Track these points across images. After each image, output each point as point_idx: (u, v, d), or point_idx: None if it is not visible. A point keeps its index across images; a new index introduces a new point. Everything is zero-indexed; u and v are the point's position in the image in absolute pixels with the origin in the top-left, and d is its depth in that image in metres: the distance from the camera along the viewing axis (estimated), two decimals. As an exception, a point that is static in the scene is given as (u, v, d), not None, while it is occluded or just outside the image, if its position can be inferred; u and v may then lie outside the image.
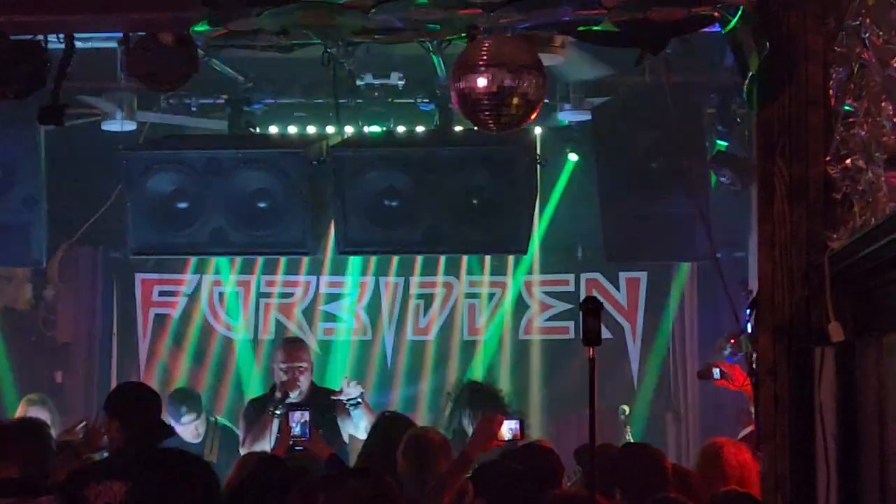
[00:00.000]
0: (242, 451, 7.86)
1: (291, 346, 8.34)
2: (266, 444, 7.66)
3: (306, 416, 6.76)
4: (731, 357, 7.63)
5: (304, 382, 7.99)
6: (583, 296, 9.92)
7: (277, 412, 7.66)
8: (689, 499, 5.48)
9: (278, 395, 7.88)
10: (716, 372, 7.61)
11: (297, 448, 6.67)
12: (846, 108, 4.21)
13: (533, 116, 5.11)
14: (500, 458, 6.20)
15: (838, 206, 4.33)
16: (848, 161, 4.19)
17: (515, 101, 4.99)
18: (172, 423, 8.32)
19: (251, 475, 5.60)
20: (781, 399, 4.47)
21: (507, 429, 6.41)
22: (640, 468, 5.81)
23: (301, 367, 8.02)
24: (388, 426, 6.89)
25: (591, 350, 4.74)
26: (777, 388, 4.49)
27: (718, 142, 7.91)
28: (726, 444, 6.38)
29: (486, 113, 5.00)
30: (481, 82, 4.96)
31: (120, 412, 5.65)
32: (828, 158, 4.42)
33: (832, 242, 4.35)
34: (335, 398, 7.80)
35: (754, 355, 4.71)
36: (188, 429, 8.53)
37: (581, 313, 4.77)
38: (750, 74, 4.78)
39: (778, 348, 4.49)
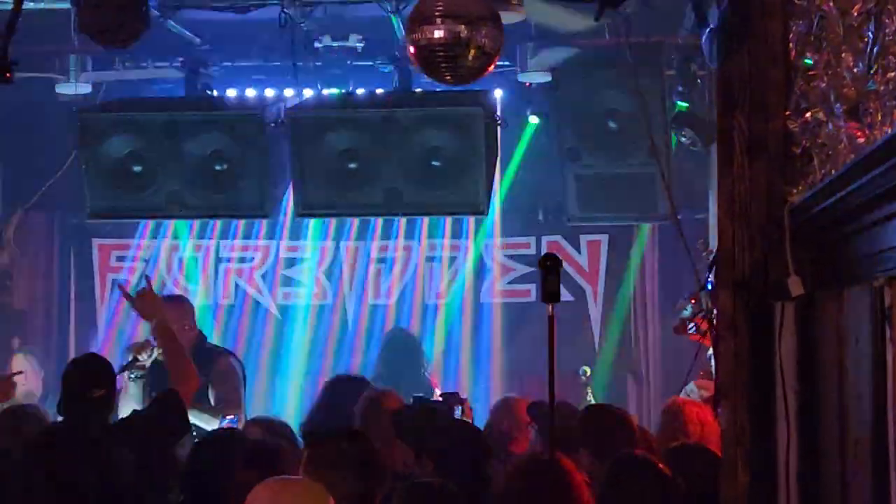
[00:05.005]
0: None
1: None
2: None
3: None
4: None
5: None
6: (545, 260, 9.87)
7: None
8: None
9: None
10: (691, 327, 7.58)
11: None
12: (806, 61, 4.18)
13: (490, 68, 5.06)
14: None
15: (798, 160, 4.30)
16: (808, 114, 4.16)
17: (472, 52, 4.94)
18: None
19: (202, 450, 5.49)
20: (741, 354, 4.45)
21: None
22: (608, 427, 5.80)
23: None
24: (340, 388, 6.86)
25: (551, 307, 4.69)
26: (737, 344, 4.47)
27: (679, 102, 7.89)
28: (688, 403, 6.41)
29: (443, 65, 4.94)
30: (437, 33, 4.90)
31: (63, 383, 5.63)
32: (787, 112, 4.38)
33: (792, 197, 4.32)
34: None
35: (714, 311, 4.69)
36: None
37: (540, 271, 4.72)
38: (709, 29, 4.75)
39: (738, 304, 4.46)
